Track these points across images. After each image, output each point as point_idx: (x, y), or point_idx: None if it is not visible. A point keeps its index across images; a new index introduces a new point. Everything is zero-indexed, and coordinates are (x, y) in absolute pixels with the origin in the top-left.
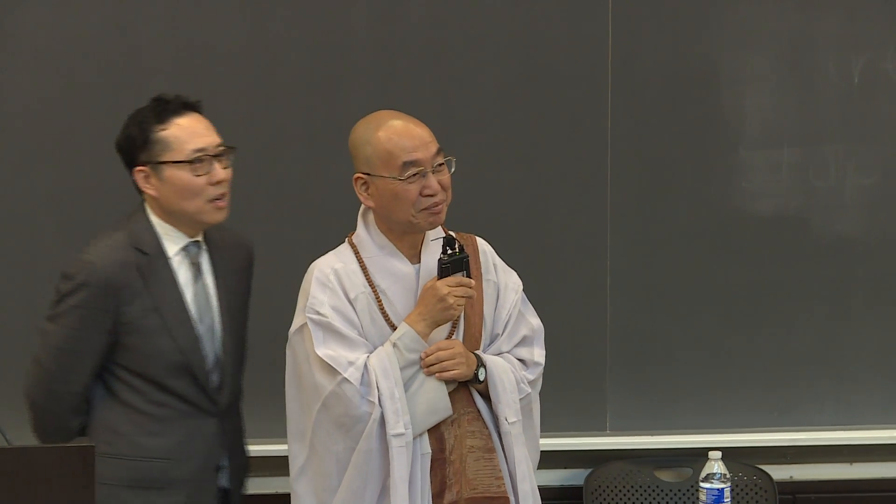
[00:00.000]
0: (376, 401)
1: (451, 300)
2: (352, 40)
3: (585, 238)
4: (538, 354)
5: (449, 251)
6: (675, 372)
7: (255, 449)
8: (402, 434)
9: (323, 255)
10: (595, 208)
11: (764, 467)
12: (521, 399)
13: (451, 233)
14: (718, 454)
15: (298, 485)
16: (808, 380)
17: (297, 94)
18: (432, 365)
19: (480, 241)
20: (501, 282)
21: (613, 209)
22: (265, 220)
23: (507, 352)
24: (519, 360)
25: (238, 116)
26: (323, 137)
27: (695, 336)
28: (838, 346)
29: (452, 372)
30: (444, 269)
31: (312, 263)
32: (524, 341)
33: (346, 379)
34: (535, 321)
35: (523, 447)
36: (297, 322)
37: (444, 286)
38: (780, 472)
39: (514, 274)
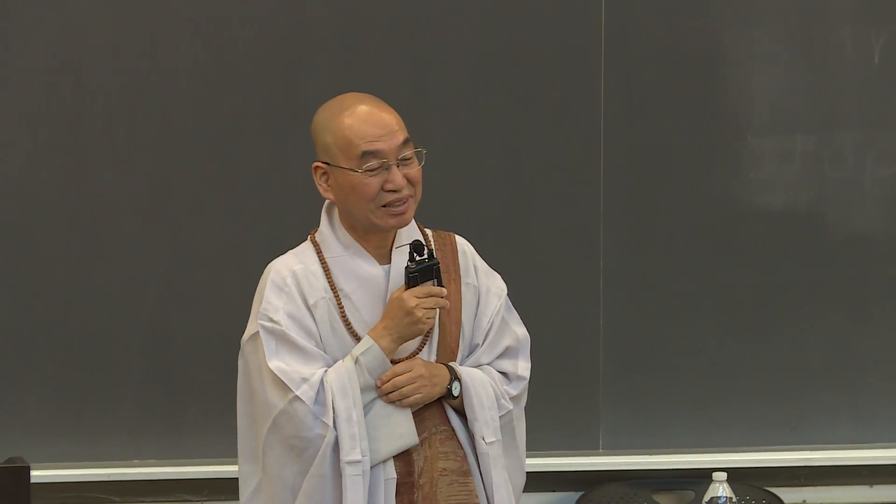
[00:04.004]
0: (331, 423)
1: (419, 313)
2: (312, 15)
3: (575, 235)
4: (522, 367)
5: (417, 257)
6: (675, 384)
7: (217, 470)
8: (357, 461)
9: (282, 254)
10: (586, 202)
11: (774, 490)
12: (501, 417)
13: (428, 230)
14: (723, 475)
15: None
16: (823, 392)
17: (251, 75)
18: (390, 392)
19: (460, 241)
20: (483, 286)
21: (607, 203)
22: (220, 215)
23: (488, 364)
24: (501, 373)
25: (188, 102)
26: (281, 124)
27: (697, 344)
28: (856, 354)
29: (413, 397)
30: (412, 279)
31: (269, 264)
32: (507, 352)
33: (297, 397)
34: (520, 330)
35: (503, 470)
36: (249, 329)
37: (411, 298)
38: (791, 496)
39: (498, 277)
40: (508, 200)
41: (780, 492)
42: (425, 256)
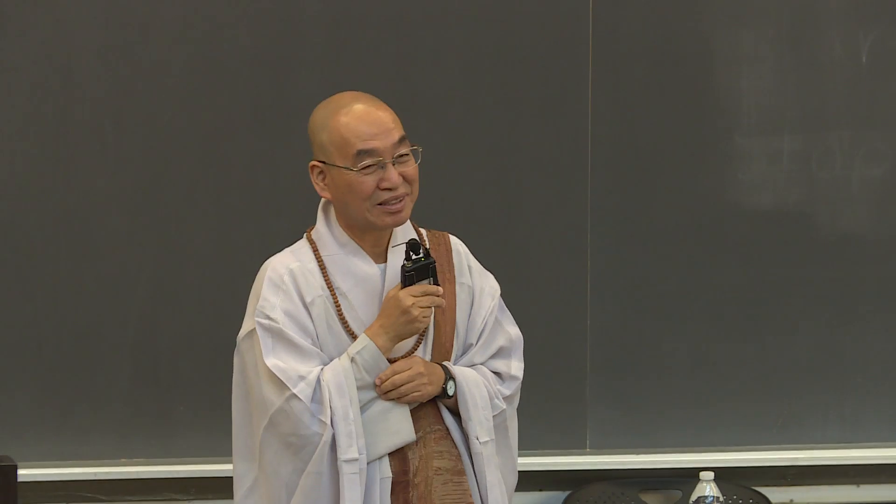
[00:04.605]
0: (328, 421)
1: (415, 312)
2: (301, 13)
3: (563, 234)
4: (516, 367)
5: (413, 256)
6: (662, 383)
7: (204, 469)
8: (355, 459)
9: (278, 251)
10: (574, 201)
11: (761, 489)
12: (494, 416)
13: (423, 230)
14: (711, 475)
15: None
16: (811, 392)
17: (241, 74)
18: (390, 390)
19: (454, 240)
20: (476, 286)
21: (594, 202)
22: (209, 214)
23: (481, 363)
24: (494, 372)
25: (177, 100)
26: (271, 122)
27: (685, 343)
28: (844, 354)
29: (413, 395)
30: (408, 277)
31: (266, 261)
32: (500, 352)
33: (295, 395)
34: (513, 330)
35: (496, 470)
36: (246, 326)
37: (408, 296)
38: (779, 495)
39: (492, 277)
40: (496, 199)
41: (768, 491)
42: (421, 255)
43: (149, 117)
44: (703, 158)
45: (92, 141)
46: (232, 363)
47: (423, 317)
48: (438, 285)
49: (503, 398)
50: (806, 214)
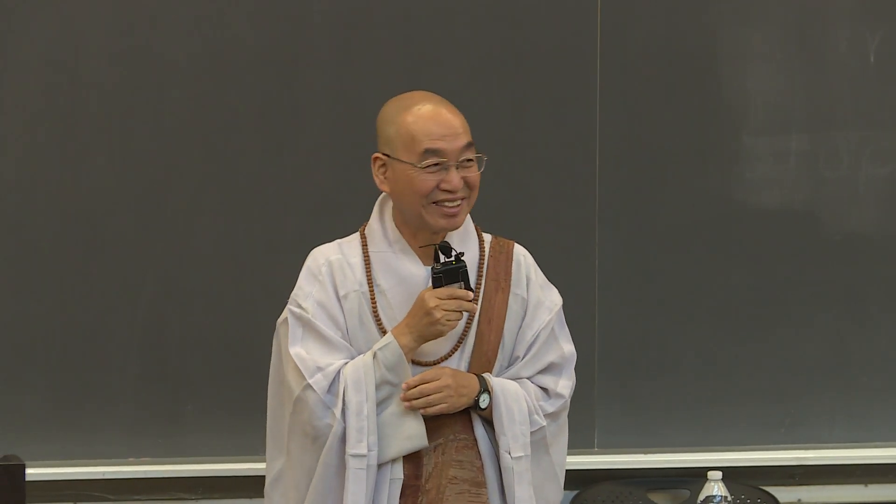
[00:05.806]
0: (339, 414)
1: (438, 315)
2: (309, 12)
3: (571, 234)
4: (563, 385)
5: (443, 259)
6: (670, 383)
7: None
8: (362, 455)
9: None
10: (582, 201)
11: (769, 489)
12: (533, 432)
13: (487, 235)
14: (719, 474)
15: (274, 493)
16: (819, 391)
17: (249, 73)
18: (415, 399)
19: (518, 250)
20: (533, 299)
21: (602, 202)
22: (217, 213)
23: (528, 378)
24: (541, 388)
25: (185, 99)
26: (278, 121)
27: (692, 343)
28: (851, 354)
29: (438, 406)
30: (437, 280)
31: (312, 250)
32: (550, 368)
33: (309, 385)
34: (567, 347)
35: (528, 486)
36: (284, 312)
37: (432, 298)
38: (787, 495)
39: (555, 291)
40: (504, 199)
41: (775, 491)
42: (452, 259)
43: (156, 116)
44: (711, 158)
45: (100, 140)
46: (239, 361)
47: (448, 320)
48: (471, 290)
49: (545, 415)
50: (813, 214)
